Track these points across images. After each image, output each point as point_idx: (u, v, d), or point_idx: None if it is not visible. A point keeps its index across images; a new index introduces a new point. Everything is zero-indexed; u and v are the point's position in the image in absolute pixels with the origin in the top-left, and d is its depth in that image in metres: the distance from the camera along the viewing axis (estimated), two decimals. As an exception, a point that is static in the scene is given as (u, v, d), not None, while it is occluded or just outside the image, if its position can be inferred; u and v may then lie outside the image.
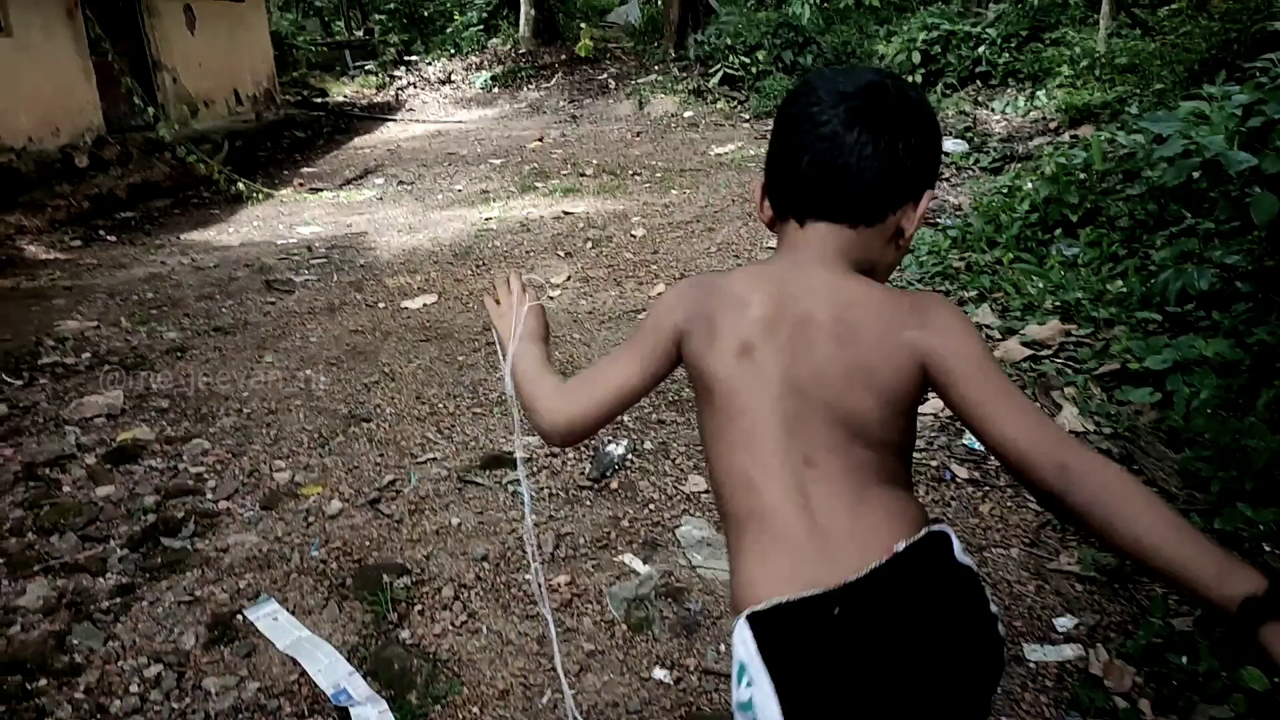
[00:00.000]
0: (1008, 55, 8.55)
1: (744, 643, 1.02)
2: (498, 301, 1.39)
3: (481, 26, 17.43)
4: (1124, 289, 3.73)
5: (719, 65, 11.55)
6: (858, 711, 0.99)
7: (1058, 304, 3.81)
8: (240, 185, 8.03)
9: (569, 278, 5.16)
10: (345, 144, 11.39)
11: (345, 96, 14.79)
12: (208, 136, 9.65)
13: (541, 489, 2.95)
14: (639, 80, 13.04)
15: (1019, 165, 6.29)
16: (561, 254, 5.67)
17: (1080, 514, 0.93)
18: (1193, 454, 2.62)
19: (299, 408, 3.66)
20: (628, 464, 3.06)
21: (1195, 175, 3.82)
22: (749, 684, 1.01)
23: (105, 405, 3.68)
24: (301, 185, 8.85)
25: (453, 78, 15.46)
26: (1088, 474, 0.92)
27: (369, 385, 3.86)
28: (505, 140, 10.59)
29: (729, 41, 11.59)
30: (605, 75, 14.20)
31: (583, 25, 16.52)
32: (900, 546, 1.01)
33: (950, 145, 6.80)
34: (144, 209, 7.85)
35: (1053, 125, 6.83)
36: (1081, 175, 4.44)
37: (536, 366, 1.27)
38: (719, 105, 10.95)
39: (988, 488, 2.72)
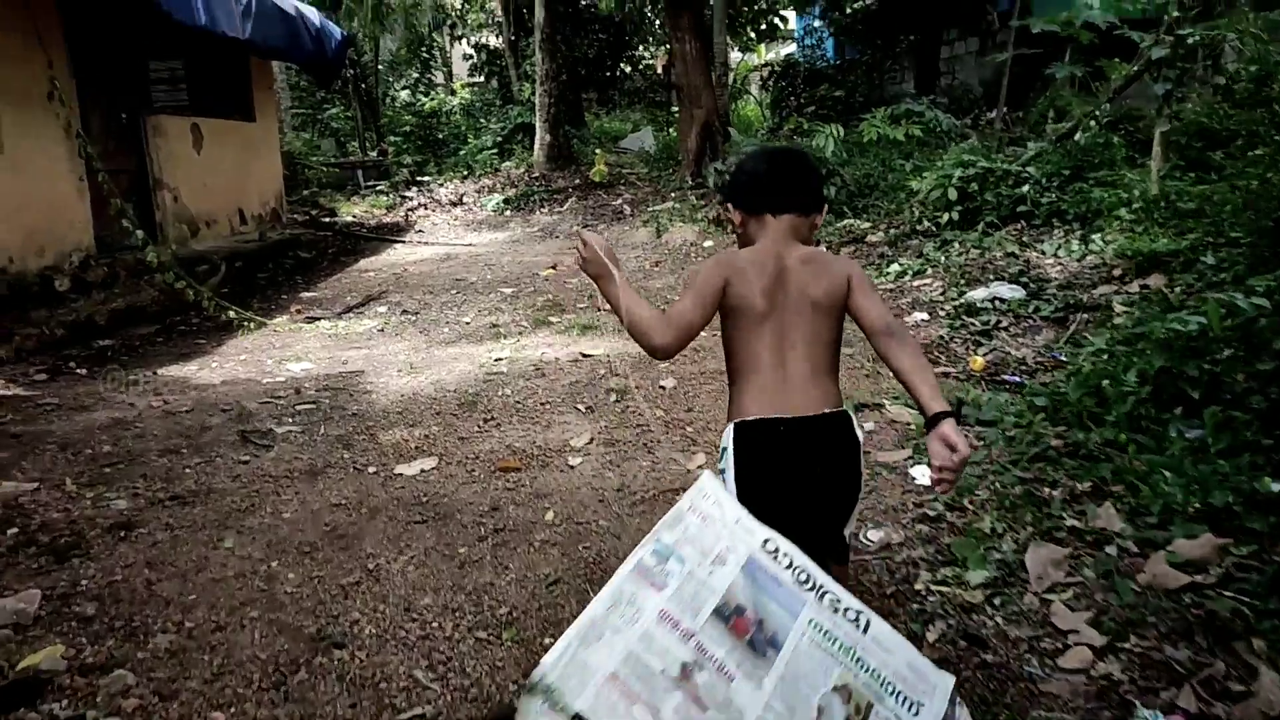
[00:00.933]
0: (1052, 195, 8.08)
1: (729, 435, 2.07)
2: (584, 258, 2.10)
3: (495, 150, 17.35)
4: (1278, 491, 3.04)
5: (740, 195, 11.17)
6: (779, 481, 2.02)
7: (1196, 506, 3.11)
8: (231, 313, 7.45)
9: (591, 440, 4.47)
10: (350, 266, 10.91)
11: (354, 216, 14.48)
12: (206, 257, 9.16)
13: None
14: (655, 207, 12.69)
15: (1086, 316, 5.69)
16: (582, 408, 4.99)
17: (884, 357, 2.00)
18: None
19: (255, 621, 2.91)
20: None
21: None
22: (725, 456, 2.08)
23: (14, 612, 2.93)
24: (299, 312, 8.28)
25: (464, 199, 15.21)
26: (893, 339, 1.99)
27: (347, 588, 3.12)
28: (517, 266, 10.10)
29: (750, 171, 11.25)
30: (620, 201, 13.90)
31: (597, 151, 16.39)
32: (828, 410, 2.05)
33: (1006, 291, 6.22)
34: (124, 337, 7.24)
35: (1116, 273, 6.25)
36: (1194, 343, 3.80)
37: (647, 309, 2.00)
38: (740, 236, 10.51)
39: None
